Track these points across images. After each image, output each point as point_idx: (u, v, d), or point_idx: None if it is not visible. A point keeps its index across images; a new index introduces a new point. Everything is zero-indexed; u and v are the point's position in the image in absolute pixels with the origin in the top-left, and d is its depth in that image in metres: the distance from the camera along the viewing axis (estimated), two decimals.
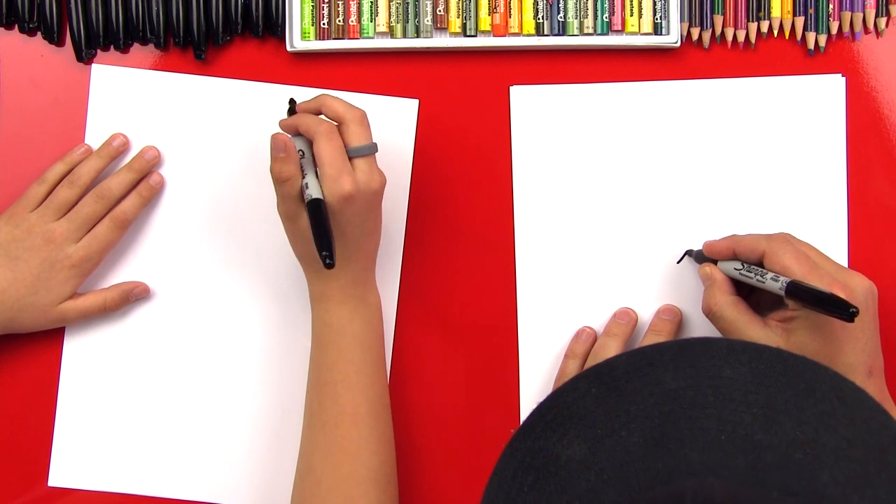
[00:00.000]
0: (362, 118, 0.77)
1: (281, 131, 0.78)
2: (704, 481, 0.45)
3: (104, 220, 0.82)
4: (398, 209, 0.86)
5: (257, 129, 0.86)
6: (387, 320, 0.86)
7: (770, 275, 0.73)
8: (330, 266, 0.70)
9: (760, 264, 0.75)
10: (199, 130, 0.87)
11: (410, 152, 0.86)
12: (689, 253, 0.84)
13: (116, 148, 0.85)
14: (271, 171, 0.76)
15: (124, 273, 0.86)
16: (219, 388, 0.87)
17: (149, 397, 0.87)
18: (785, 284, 0.71)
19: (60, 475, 0.87)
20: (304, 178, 0.75)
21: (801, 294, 0.70)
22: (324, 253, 0.70)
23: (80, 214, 0.82)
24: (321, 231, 0.71)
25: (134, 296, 0.85)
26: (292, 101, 0.81)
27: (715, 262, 0.80)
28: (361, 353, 0.79)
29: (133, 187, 0.84)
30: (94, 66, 0.86)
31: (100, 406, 0.87)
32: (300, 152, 0.76)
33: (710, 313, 0.77)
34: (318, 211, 0.73)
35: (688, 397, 0.49)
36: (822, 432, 0.47)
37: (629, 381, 0.51)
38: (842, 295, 0.68)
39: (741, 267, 0.76)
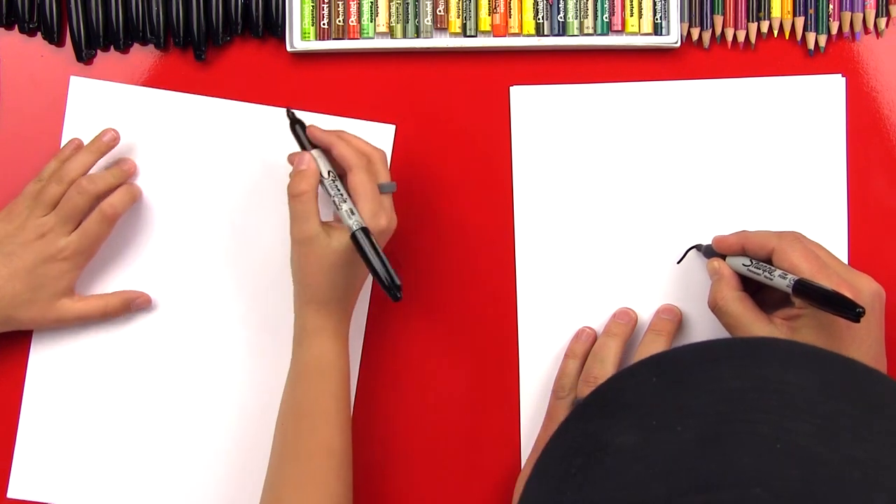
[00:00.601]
0: (385, 157, 0.77)
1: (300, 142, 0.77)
2: (750, 491, 0.41)
3: (93, 214, 0.79)
4: None
5: (234, 148, 0.83)
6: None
7: (778, 272, 0.71)
8: (399, 299, 0.69)
9: (769, 261, 0.73)
10: (176, 147, 0.83)
11: None
12: (698, 248, 0.81)
13: (107, 143, 0.81)
14: (289, 185, 0.74)
15: (96, 286, 0.83)
16: (186, 406, 0.83)
17: (114, 411, 0.83)
18: (792, 282, 0.69)
19: (20, 486, 0.83)
20: (343, 202, 0.73)
21: (809, 292, 0.68)
22: (396, 286, 0.69)
23: (66, 208, 0.78)
24: (384, 261, 0.70)
25: (136, 305, 0.83)
26: (291, 114, 0.77)
27: (724, 257, 0.77)
28: (343, 388, 0.77)
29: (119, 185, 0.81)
30: (72, 78, 0.83)
31: (64, 417, 0.83)
32: (329, 172, 0.75)
33: (715, 308, 0.75)
34: (373, 241, 0.71)
35: (749, 399, 0.45)
36: (885, 452, 0.43)
37: (692, 375, 0.47)
38: (849, 295, 0.66)
39: (749, 263, 0.74)
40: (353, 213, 0.73)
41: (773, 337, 0.71)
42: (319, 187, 0.75)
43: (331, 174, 0.75)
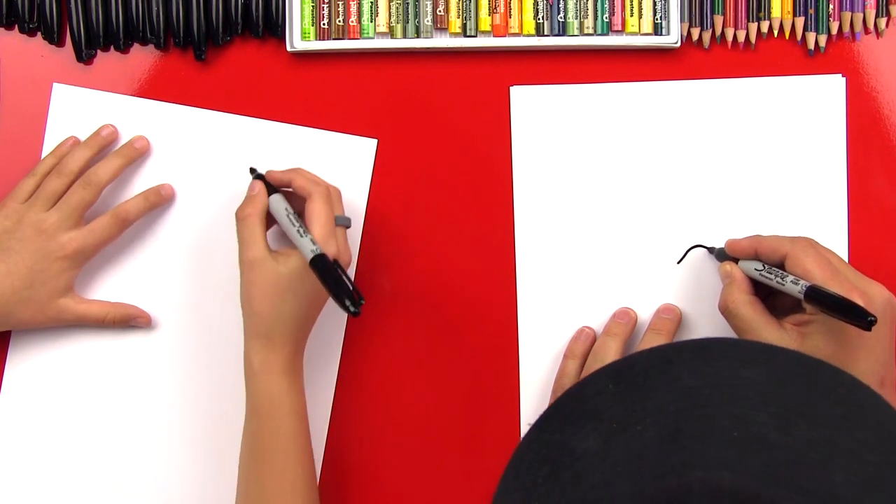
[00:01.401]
0: (339, 194, 0.74)
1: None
2: (713, 473, 0.41)
3: (105, 215, 0.75)
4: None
5: (216, 159, 0.78)
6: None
7: (790, 277, 0.67)
8: (356, 314, 0.63)
9: (782, 266, 0.69)
10: (158, 155, 0.78)
11: (365, 193, 0.78)
12: (711, 250, 0.77)
13: (105, 137, 0.77)
14: (237, 210, 0.71)
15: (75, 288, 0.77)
16: (161, 419, 0.78)
17: (90, 422, 0.77)
18: (805, 288, 0.65)
19: None
20: (301, 238, 0.68)
21: (821, 298, 0.64)
22: (352, 301, 0.63)
23: (69, 203, 0.74)
24: (340, 278, 0.65)
25: (135, 323, 0.77)
26: (253, 171, 0.75)
27: (736, 260, 0.73)
28: (299, 424, 0.71)
29: (120, 172, 0.76)
30: (55, 85, 0.78)
31: (38, 427, 0.77)
32: (287, 212, 0.70)
33: (725, 311, 0.71)
34: (331, 263, 0.66)
35: (704, 395, 0.45)
36: (837, 434, 0.43)
37: (647, 378, 0.47)
38: (860, 303, 0.62)
39: (762, 268, 0.70)
40: (313, 243, 0.67)
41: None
42: (279, 228, 0.71)
43: (289, 212, 0.70)
